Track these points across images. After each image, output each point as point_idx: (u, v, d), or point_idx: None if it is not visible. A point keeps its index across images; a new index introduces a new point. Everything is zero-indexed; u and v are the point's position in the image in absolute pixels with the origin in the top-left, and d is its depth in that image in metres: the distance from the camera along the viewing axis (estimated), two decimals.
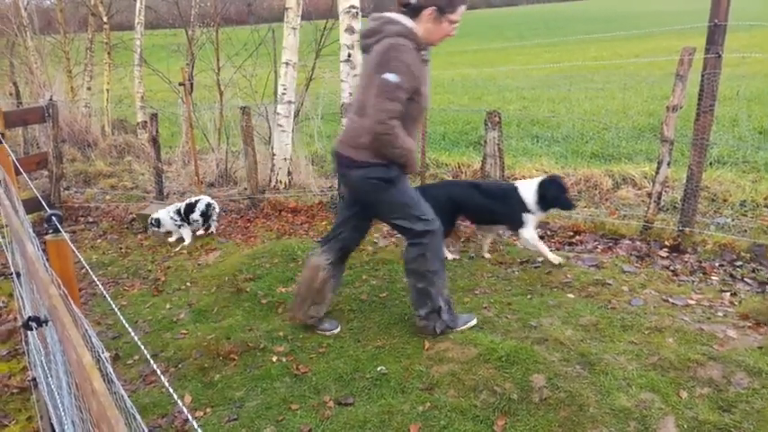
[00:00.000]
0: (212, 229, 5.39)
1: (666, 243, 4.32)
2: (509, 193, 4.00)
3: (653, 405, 2.59)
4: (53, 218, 1.82)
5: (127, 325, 1.70)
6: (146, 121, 9.03)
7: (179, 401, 1.19)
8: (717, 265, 4.02)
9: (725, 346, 2.96)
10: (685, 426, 2.48)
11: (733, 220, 4.72)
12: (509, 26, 30.19)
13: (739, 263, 4.02)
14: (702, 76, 4.15)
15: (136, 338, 1.54)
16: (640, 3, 39.55)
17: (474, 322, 3.32)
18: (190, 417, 1.09)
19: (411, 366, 3.02)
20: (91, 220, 6.25)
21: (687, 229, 4.33)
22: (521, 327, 3.30)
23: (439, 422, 2.62)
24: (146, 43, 10.14)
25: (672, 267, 4.01)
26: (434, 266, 3.13)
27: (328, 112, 7.69)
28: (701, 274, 3.91)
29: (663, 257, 4.17)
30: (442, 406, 2.70)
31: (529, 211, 3.95)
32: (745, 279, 3.81)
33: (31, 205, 4.75)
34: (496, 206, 4.01)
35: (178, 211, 5.27)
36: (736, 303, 3.48)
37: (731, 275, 3.87)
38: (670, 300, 3.52)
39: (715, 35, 4.07)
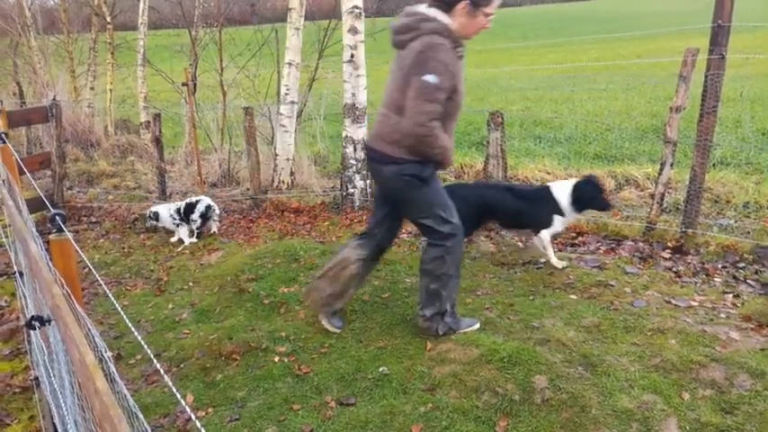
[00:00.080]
0: (214, 229, 5.40)
1: (669, 244, 4.31)
2: (543, 196, 3.96)
3: (655, 407, 2.59)
4: (57, 217, 1.83)
5: (130, 324, 1.70)
6: (149, 122, 9.03)
7: (182, 401, 1.19)
8: (720, 266, 4.01)
9: (727, 347, 2.96)
10: (687, 427, 2.47)
11: (736, 221, 4.71)
12: (513, 26, 30.14)
13: (742, 264, 4.01)
14: (706, 77, 4.14)
15: (139, 338, 1.54)
16: (641, 3, 39.43)
17: (477, 326, 3.30)
18: (193, 416, 1.09)
19: (413, 367, 3.02)
20: (94, 219, 6.26)
21: (690, 230, 4.32)
22: (523, 328, 3.29)
23: (441, 423, 2.61)
24: (149, 43, 10.16)
25: (674, 269, 4.00)
26: (451, 270, 3.12)
27: (331, 113, 7.70)
28: (703, 276, 3.90)
29: (665, 259, 4.16)
30: (444, 407, 2.70)
31: (561, 213, 3.92)
32: (748, 281, 3.80)
33: (35, 205, 4.76)
34: (529, 209, 3.95)
35: (178, 210, 5.29)
36: (738, 305, 3.47)
37: (734, 277, 3.86)
38: (673, 301, 3.51)
39: (718, 36, 4.06)
